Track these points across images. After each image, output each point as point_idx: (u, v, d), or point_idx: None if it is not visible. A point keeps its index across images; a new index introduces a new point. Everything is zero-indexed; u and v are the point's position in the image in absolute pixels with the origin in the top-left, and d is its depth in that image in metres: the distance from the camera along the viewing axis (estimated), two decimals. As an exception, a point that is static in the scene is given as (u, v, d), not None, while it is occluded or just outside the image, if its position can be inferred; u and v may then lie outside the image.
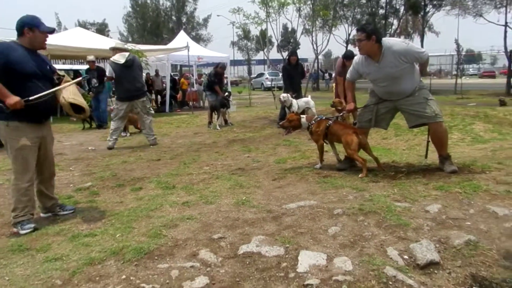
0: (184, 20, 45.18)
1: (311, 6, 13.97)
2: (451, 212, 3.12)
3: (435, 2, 25.45)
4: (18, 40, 3.42)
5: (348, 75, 4.77)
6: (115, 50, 7.52)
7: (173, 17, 45.00)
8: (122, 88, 7.43)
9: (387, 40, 4.29)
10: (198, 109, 16.13)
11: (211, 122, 10.15)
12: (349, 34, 31.55)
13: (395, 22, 30.56)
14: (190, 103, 17.00)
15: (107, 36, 40.48)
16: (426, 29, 30.23)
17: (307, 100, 9.58)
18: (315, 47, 20.68)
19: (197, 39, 41.46)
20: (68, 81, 3.72)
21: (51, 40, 15.29)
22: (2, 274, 2.60)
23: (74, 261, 2.72)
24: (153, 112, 8.21)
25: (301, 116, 5.12)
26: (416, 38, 32.27)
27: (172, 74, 18.84)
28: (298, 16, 15.83)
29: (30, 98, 3.27)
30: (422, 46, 26.46)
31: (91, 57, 11.04)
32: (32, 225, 3.42)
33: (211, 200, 3.86)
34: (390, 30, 29.96)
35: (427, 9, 26.10)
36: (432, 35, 35.80)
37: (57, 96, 3.62)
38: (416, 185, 3.84)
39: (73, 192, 4.51)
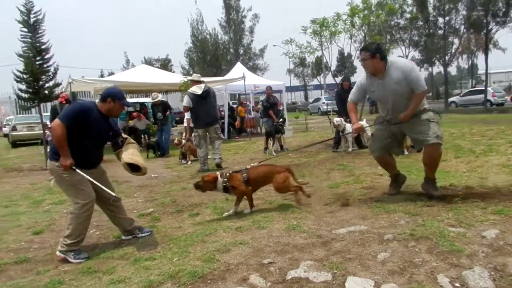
0: (241, 51, 46.63)
1: (364, 32, 13.93)
2: (509, 237, 2.98)
3: (498, 20, 24.20)
4: (99, 104, 3.84)
5: (351, 96, 4.74)
6: (193, 82, 8.32)
7: (231, 50, 46.64)
8: (198, 116, 8.05)
9: (392, 57, 4.38)
10: (255, 135, 16.47)
11: (267, 147, 10.35)
12: (406, 56, 30.83)
13: (456, 41, 29.44)
14: (248, 130, 17.42)
15: (170, 70, 42.79)
16: (490, 45, 28.75)
17: (362, 123, 9.48)
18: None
19: (254, 68, 42.52)
20: (131, 143, 4.08)
21: (120, 76, 16.53)
22: (73, 294, 2.87)
23: (135, 284, 2.92)
24: (223, 136, 8.75)
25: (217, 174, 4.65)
26: (480, 56, 30.79)
27: (231, 102, 19.50)
28: (350, 43, 15.83)
29: (77, 170, 3.66)
30: (486, 63, 25.24)
31: (155, 95, 12.00)
32: (86, 255, 3.66)
33: (263, 225, 3.96)
34: (450, 49, 28.84)
35: (490, 27, 24.87)
36: (498, 51, 33.97)
37: (117, 156, 4.04)
38: (473, 209, 3.70)
39: (137, 218, 4.82)
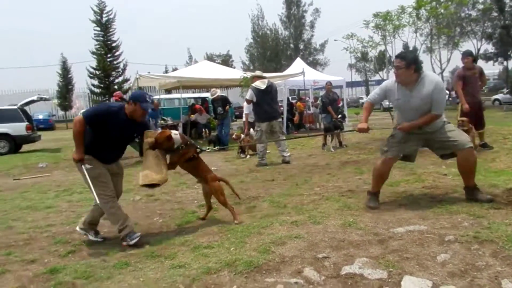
0: (301, 46, 46.39)
1: (430, 25, 13.32)
2: None
3: None
4: (126, 106, 3.98)
5: (371, 96, 4.59)
6: (255, 77, 8.60)
7: (291, 45, 46.53)
8: (262, 110, 8.26)
9: (426, 71, 4.14)
10: (314, 130, 16.36)
11: (325, 144, 10.27)
12: (478, 50, 28.99)
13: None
14: (307, 125, 17.35)
15: (231, 65, 43.54)
16: None
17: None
18: (438, 65, 19.45)
19: (314, 64, 42.12)
20: (150, 151, 4.03)
21: (183, 72, 17.12)
22: (138, 276, 3.08)
23: (194, 269, 3.07)
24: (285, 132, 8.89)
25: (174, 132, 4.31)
26: None
27: (290, 97, 19.53)
28: (415, 36, 15.15)
29: (83, 167, 3.85)
30: None
31: (214, 91, 12.39)
32: (139, 234, 3.88)
33: (319, 221, 3.98)
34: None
35: None
36: None
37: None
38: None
39: (197, 208, 5.04)
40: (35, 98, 15.49)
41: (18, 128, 14.26)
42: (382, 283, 2.58)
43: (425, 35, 15.11)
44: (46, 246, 3.96)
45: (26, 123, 14.49)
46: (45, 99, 16.69)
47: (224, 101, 12.30)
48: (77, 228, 4.16)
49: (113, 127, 3.86)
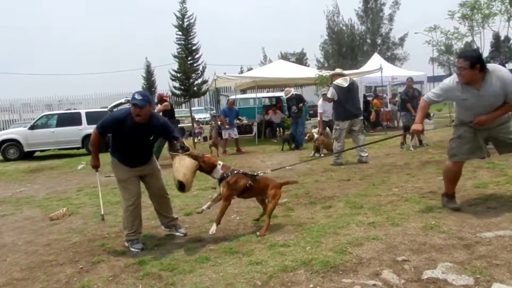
0: (379, 41, 44.81)
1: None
2: None
3: None
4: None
5: (432, 96, 4.22)
6: (336, 75, 8.57)
7: (368, 40, 45.14)
8: (343, 109, 8.22)
9: (492, 66, 3.82)
10: (392, 129, 15.75)
11: (404, 142, 9.85)
12: None
13: None
14: (384, 123, 16.74)
15: (305, 64, 43.31)
16: None
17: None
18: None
19: (393, 59, 40.45)
20: (188, 155, 3.94)
21: (258, 72, 17.39)
22: (218, 271, 3.21)
23: (271, 267, 3.14)
24: (365, 131, 8.75)
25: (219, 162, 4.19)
26: None
27: (366, 94, 18.98)
28: (507, 25, 13.89)
29: (97, 173, 4.51)
30: None
31: (287, 91, 12.41)
32: (140, 246, 3.95)
33: (398, 223, 3.85)
34: None
35: None
36: None
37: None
38: None
39: (272, 207, 5.12)
40: (123, 100, 16.71)
41: (108, 129, 15.48)
42: (468, 290, 2.45)
43: (520, 23, 13.78)
44: (134, 239, 4.28)
45: (115, 124, 15.67)
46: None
47: (298, 99, 12.23)
48: (163, 228, 4.45)
49: (124, 133, 3.92)
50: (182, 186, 3.80)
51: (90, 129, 15.34)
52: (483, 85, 3.85)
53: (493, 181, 5.19)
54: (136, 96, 3.76)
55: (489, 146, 4.35)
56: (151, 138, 4.06)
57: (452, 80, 4.07)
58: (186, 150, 4.00)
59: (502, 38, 41.50)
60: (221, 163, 4.20)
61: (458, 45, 14.96)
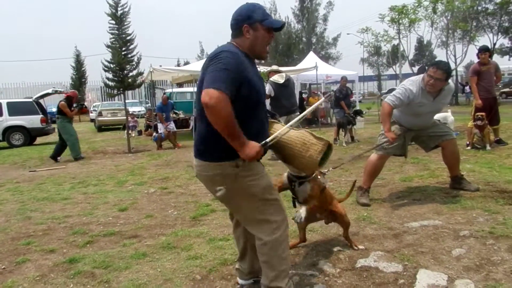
0: (314, 40, 46.15)
1: (446, 19, 13.16)
2: None
3: None
4: (235, 42, 2.30)
5: (394, 100, 4.18)
6: (272, 72, 8.69)
7: (304, 39, 46.29)
8: (280, 104, 8.29)
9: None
10: (325, 125, 16.33)
11: (337, 138, 10.26)
12: (494, 44, 28.49)
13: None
14: (319, 120, 17.30)
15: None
16: None
17: (445, 115, 8.95)
18: (453, 59, 19.21)
19: (326, 58, 41.86)
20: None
21: (196, 66, 17.14)
22: (155, 266, 3.13)
23: (210, 261, 3.12)
24: (300, 126, 8.91)
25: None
26: None
27: (301, 91, 19.49)
28: (431, 31, 14.97)
29: (268, 140, 2.24)
30: None
31: None
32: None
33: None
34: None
35: None
36: None
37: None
38: None
39: (210, 201, 5.08)
40: (50, 91, 15.70)
41: (33, 120, 14.48)
42: (397, 276, 2.60)
43: (440, 29, 14.91)
44: (64, 237, 4.03)
45: (41, 115, 14.70)
46: (60, 92, 16.89)
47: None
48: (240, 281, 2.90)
49: (253, 77, 2.22)
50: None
51: (12, 120, 14.27)
52: (439, 95, 4.16)
53: (417, 175, 5.57)
54: (267, 12, 2.32)
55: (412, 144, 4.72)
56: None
57: (416, 85, 4.14)
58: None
59: (425, 42, 44.65)
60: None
61: (386, 47, 15.85)
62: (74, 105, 10.43)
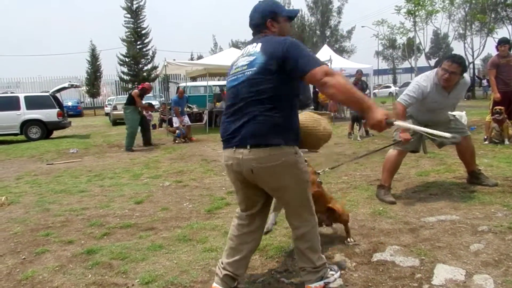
0: (328, 33, 45.80)
1: (464, 11, 12.89)
2: None
3: None
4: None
5: (407, 99, 4.09)
6: None
7: (317, 32, 45.98)
8: None
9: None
10: (339, 120, 16.23)
11: (351, 132, 10.19)
12: (513, 36, 27.89)
13: None
14: (332, 114, 17.20)
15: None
16: None
17: (460, 115, 8.66)
18: (470, 52, 18.86)
19: (341, 51, 41.56)
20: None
21: (209, 60, 17.19)
22: (171, 258, 3.16)
23: (226, 253, 3.15)
24: None
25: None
26: None
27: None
28: (449, 22, 14.68)
29: (393, 120, 2.14)
30: None
31: None
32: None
33: (348, 209, 3.95)
34: None
35: None
36: None
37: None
38: None
39: (225, 195, 5.11)
40: (66, 85, 15.89)
41: (50, 114, 14.68)
42: (414, 270, 2.59)
43: (458, 21, 14.62)
44: (82, 228, 4.10)
45: (58, 109, 14.90)
46: (76, 86, 17.13)
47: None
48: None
49: None
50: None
51: (29, 114, 14.50)
52: (453, 90, 4.05)
53: (434, 170, 5.51)
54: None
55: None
56: None
57: (430, 80, 4.04)
58: None
59: (442, 35, 43.91)
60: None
61: (402, 40, 15.65)
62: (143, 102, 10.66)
